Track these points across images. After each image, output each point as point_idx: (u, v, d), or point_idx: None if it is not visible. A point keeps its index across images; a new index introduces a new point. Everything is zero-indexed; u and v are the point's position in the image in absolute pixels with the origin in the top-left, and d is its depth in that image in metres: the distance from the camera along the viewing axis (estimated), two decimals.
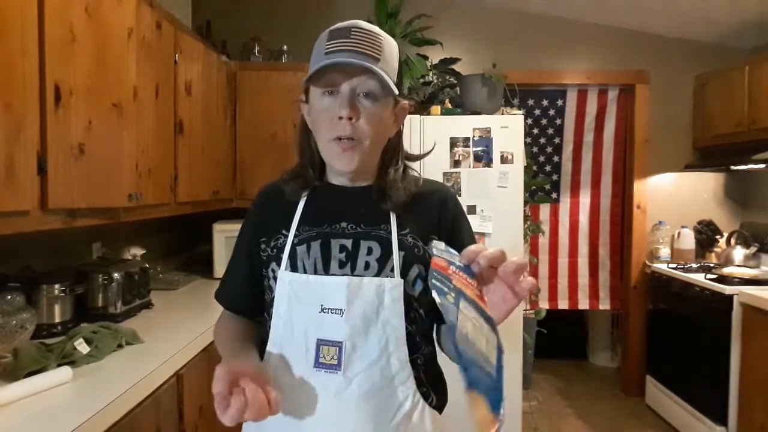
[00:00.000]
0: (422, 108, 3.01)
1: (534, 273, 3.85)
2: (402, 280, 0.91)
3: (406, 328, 0.91)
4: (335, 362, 0.88)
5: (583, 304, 3.98)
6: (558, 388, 3.93)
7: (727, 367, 2.72)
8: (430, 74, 3.29)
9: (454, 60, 3.26)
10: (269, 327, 0.96)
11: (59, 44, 1.45)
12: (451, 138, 2.81)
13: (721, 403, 2.75)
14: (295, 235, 0.96)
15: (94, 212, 1.70)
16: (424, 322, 0.96)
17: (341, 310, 0.89)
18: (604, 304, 3.98)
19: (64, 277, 1.80)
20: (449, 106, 3.01)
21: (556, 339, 3.90)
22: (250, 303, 1.04)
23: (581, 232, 3.97)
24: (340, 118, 0.87)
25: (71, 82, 1.50)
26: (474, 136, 2.82)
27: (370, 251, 0.93)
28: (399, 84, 0.95)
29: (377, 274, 0.91)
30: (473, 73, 3.04)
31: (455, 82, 3.20)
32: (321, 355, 0.89)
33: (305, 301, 0.92)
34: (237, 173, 3.10)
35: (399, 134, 1.02)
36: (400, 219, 0.96)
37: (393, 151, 1.01)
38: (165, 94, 2.16)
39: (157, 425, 1.47)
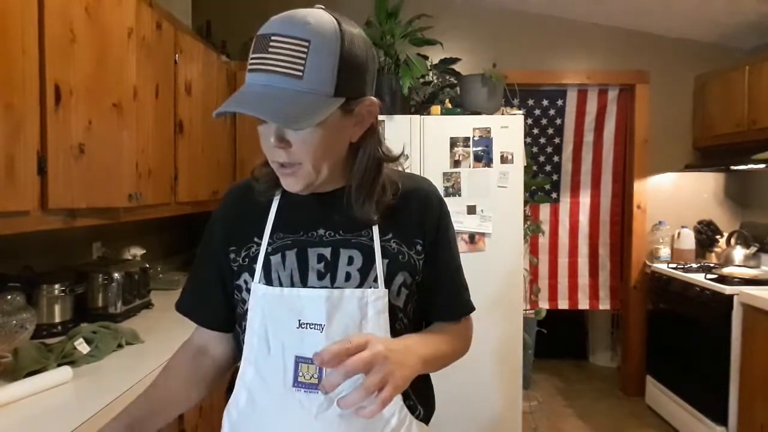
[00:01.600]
0: (422, 108, 3.01)
1: (534, 273, 3.85)
2: (386, 291, 0.85)
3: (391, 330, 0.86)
4: (315, 381, 0.82)
5: (583, 304, 3.98)
6: (558, 388, 3.93)
7: (727, 367, 2.72)
8: (430, 74, 3.29)
9: (454, 60, 3.26)
10: (242, 342, 0.89)
11: (59, 44, 1.45)
12: (451, 138, 2.81)
13: (721, 403, 2.75)
14: (269, 244, 0.89)
15: (94, 212, 1.70)
16: (409, 333, 0.89)
17: (321, 325, 0.82)
18: (604, 304, 3.98)
19: (64, 277, 1.80)
20: (449, 106, 3.01)
21: (556, 339, 3.89)
22: (226, 318, 0.96)
23: (581, 232, 3.97)
24: (274, 145, 0.80)
25: (71, 82, 1.50)
26: (474, 136, 2.82)
27: (351, 260, 0.87)
28: (354, 78, 0.80)
29: (359, 285, 0.85)
30: (473, 73, 3.04)
31: (455, 82, 3.20)
32: (300, 374, 0.83)
33: (281, 316, 0.85)
34: (237, 173, 3.10)
35: (369, 133, 0.89)
36: (382, 223, 0.89)
37: (364, 153, 0.88)
38: (165, 94, 2.16)
39: None
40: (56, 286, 1.76)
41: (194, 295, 1.00)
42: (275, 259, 0.88)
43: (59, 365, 1.40)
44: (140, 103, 1.92)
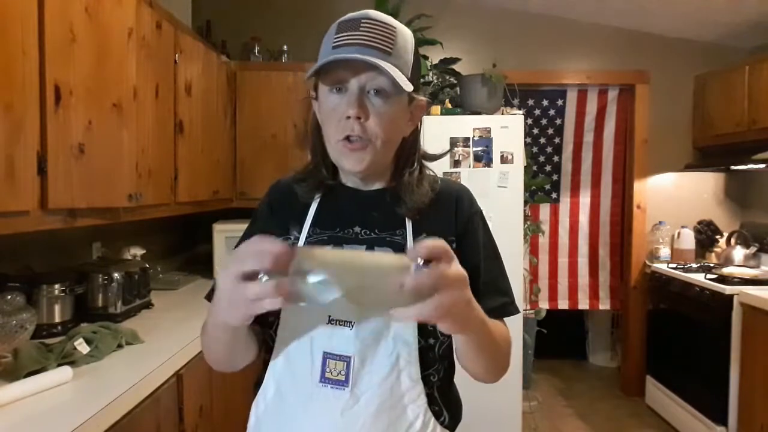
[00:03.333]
0: None
1: (534, 273, 3.85)
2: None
3: (420, 342, 0.85)
4: (342, 377, 0.82)
5: (583, 304, 3.98)
6: (558, 388, 3.93)
7: (727, 367, 2.72)
8: (430, 74, 3.29)
9: (454, 60, 3.26)
10: (272, 336, 0.90)
11: (59, 44, 1.45)
12: (451, 138, 2.82)
13: (721, 403, 2.75)
14: (306, 238, 0.90)
15: (94, 212, 1.70)
16: (440, 337, 0.89)
17: (350, 322, 0.83)
18: (604, 304, 3.98)
19: (64, 277, 1.80)
20: (449, 106, 3.01)
21: (556, 339, 3.89)
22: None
23: (581, 232, 3.97)
24: (348, 117, 0.81)
25: (71, 82, 1.50)
26: (474, 136, 2.82)
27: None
28: (415, 79, 0.87)
29: None
30: (473, 73, 3.04)
31: (455, 82, 3.20)
32: (327, 370, 0.83)
33: (312, 310, 0.84)
34: (237, 173, 3.10)
35: (415, 133, 0.95)
36: (416, 223, 0.90)
37: (409, 152, 0.94)
38: (165, 94, 2.15)
39: (157, 425, 1.47)
40: (56, 286, 1.76)
41: None
42: None
43: (59, 365, 1.40)
44: (140, 103, 1.92)
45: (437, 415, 0.87)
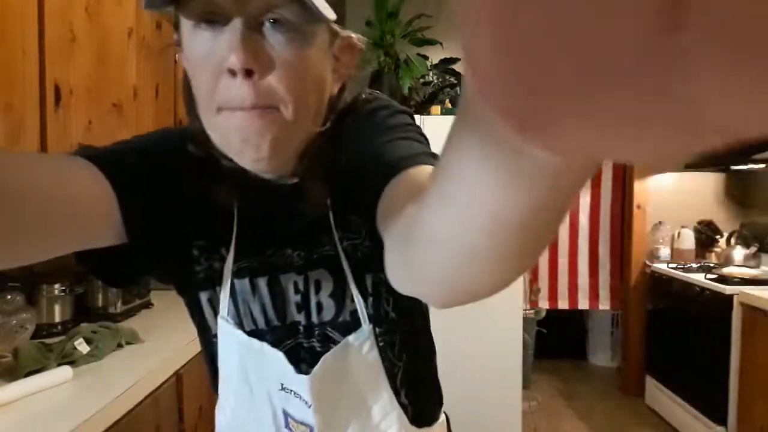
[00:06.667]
0: (422, 108, 3.01)
1: (534, 273, 3.85)
2: (370, 327, 0.69)
3: (384, 367, 0.72)
4: None
5: (583, 304, 3.98)
6: (557, 389, 3.94)
7: (726, 367, 2.72)
8: (430, 74, 3.30)
9: (455, 60, 3.26)
10: (212, 362, 0.76)
11: (59, 44, 1.45)
12: None
13: (720, 402, 2.75)
14: (234, 262, 0.69)
15: None
16: (396, 336, 0.74)
17: (307, 403, 0.69)
18: (604, 304, 3.98)
19: (64, 276, 1.80)
20: (449, 106, 3.02)
21: (556, 339, 3.90)
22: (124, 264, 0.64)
23: (581, 231, 3.98)
24: (231, 71, 0.50)
25: (71, 82, 1.50)
26: None
27: (318, 286, 0.69)
28: (338, 4, 0.55)
29: (335, 317, 0.69)
30: None
31: (455, 82, 3.20)
32: (290, 425, 0.73)
33: (262, 371, 0.71)
34: None
35: (342, 92, 0.65)
36: (336, 209, 0.67)
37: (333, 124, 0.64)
38: (165, 93, 2.16)
39: (157, 424, 1.47)
40: (56, 286, 1.76)
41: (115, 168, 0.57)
42: (241, 285, 0.70)
43: (59, 365, 1.40)
44: (140, 103, 1.92)
45: (405, 409, 0.75)
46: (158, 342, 1.72)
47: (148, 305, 2.19)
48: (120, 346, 1.63)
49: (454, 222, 0.28)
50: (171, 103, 2.23)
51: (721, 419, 2.76)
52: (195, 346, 1.71)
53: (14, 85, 1.29)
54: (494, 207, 0.24)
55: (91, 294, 1.95)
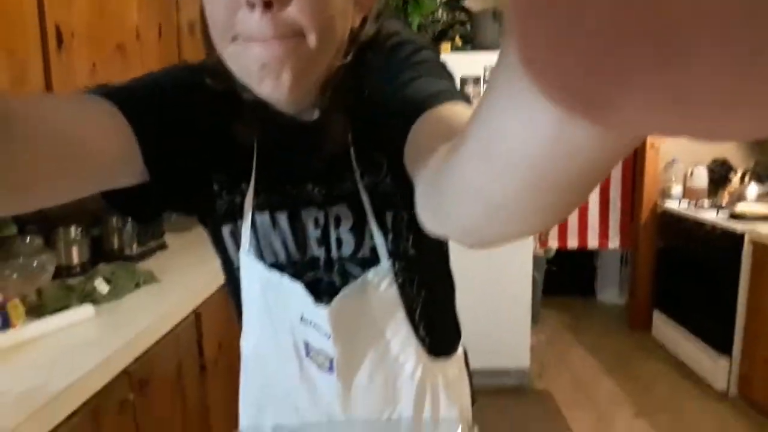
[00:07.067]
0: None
1: None
2: (389, 263, 0.71)
3: (403, 302, 0.74)
4: (327, 367, 0.76)
5: (593, 243, 3.99)
6: (566, 324, 4.02)
7: (734, 301, 2.76)
8: (440, 11, 3.19)
9: None
10: (235, 293, 0.80)
11: None
12: (461, 77, 2.75)
13: (726, 335, 2.80)
14: (255, 195, 0.70)
15: None
16: (416, 273, 0.75)
17: (327, 333, 0.72)
18: (614, 243, 3.99)
19: (80, 219, 1.84)
20: (459, 43, 2.93)
21: (566, 276, 3.94)
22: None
23: None
24: (251, 4, 0.49)
25: (72, 23, 1.47)
26: (486, 75, 2.76)
27: (338, 221, 0.70)
28: None
29: (354, 252, 0.71)
30: (484, 8, 2.94)
31: (465, 19, 3.10)
32: (311, 355, 0.77)
33: (283, 301, 0.75)
34: None
35: (364, 25, 0.64)
36: (358, 141, 0.67)
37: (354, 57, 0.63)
38: (168, 34, 2.11)
39: (178, 360, 1.54)
40: (72, 228, 1.80)
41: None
42: (262, 219, 0.71)
43: (81, 304, 1.46)
44: (143, 44, 1.89)
45: (422, 341, 0.78)
46: (175, 282, 1.77)
47: (163, 246, 2.24)
48: (138, 285, 1.68)
49: (490, 177, 0.27)
50: (174, 43, 2.19)
51: (725, 350, 2.82)
52: (212, 286, 1.77)
53: (14, 29, 1.27)
54: (533, 168, 0.24)
55: (107, 236, 2.00)
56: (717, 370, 2.88)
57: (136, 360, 1.30)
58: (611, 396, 2.94)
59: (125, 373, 1.24)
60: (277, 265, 0.74)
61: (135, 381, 1.29)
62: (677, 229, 3.36)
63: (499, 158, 0.25)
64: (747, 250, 2.70)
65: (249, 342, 0.84)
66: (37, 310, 1.41)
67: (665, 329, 3.50)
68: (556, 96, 0.15)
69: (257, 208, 0.71)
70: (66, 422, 1.02)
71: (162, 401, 1.44)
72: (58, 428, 1.00)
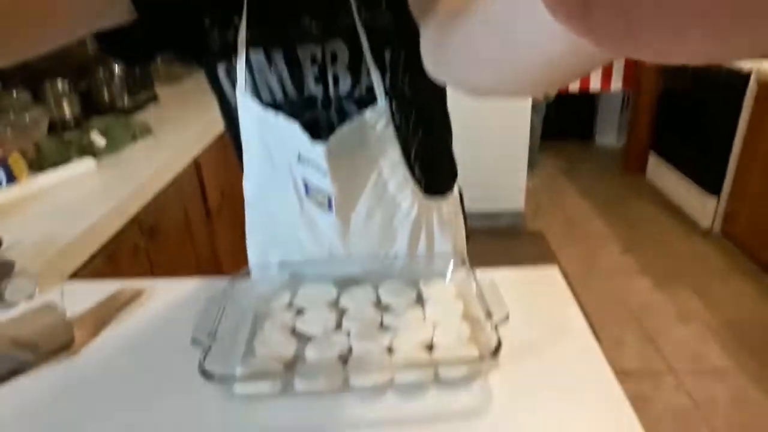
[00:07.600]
0: None
1: None
2: (386, 102, 0.71)
3: (399, 142, 0.76)
4: (326, 205, 0.78)
5: (595, 84, 3.89)
6: (562, 168, 4.08)
7: (730, 142, 2.77)
8: None
9: None
10: (235, 136, 0.81)
11: None
12: None
13: (717, 175, 2.86)
14: (248, 29, 0.69)
15: None
16: (412, 112, 0.76)
17: (323, 169, 0.74)
18: (617, 85, 3.88)
19: (65, 73, 1.77)
20: None
21: (565, 119, 3.90)
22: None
23: None
24: None
25: None
26: None
27: (334, 57, 0.70)
28: None
29: (351, 90, 0.72)
30: None
31: None
32: (311, 193, 0.79)
33: (280, 143, 0.76)
34: None
35: None
36: None
37: None
38: None
39: (184, 206, 1.59)
40: (59, 81, 1.74)
41: None
42: (257, 58, 0.71)
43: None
44: None
45: (418, 180, 0.81)
46: (170, 133, 1.76)
47: (154, 98, 2.19)
48: (134, 138, 1.67)
49: (498, 55, 0.29)
50: None
51: (714, 190, 2.90)
52: (208, 136, 1.76)
53: None
54: (538, 50, 0.25)
55: (96, 89, 1.94)
56: (705, 209, 3.00)
57: (145, 207, 1.34)
58: (601, 234, 3.09)
59: (135, 221, 1.29)
60: (274, 105, 0.74)
61: (146, 228, 1.34)
62: (682, 69, 3.25)
63: (505, 35, 0.27)
64: (751, 90, 2.64)
65: (251, 183, 0.86)
66: (37, 164, 1.42)
67: (659, 172, 3.56)
68: (566, 19, 0.17)
69: (251, 44, 0.70)
70: (86, 265, 1.08)
71: (173, 246, 1.51)
72: (80, 271, 1.06)
